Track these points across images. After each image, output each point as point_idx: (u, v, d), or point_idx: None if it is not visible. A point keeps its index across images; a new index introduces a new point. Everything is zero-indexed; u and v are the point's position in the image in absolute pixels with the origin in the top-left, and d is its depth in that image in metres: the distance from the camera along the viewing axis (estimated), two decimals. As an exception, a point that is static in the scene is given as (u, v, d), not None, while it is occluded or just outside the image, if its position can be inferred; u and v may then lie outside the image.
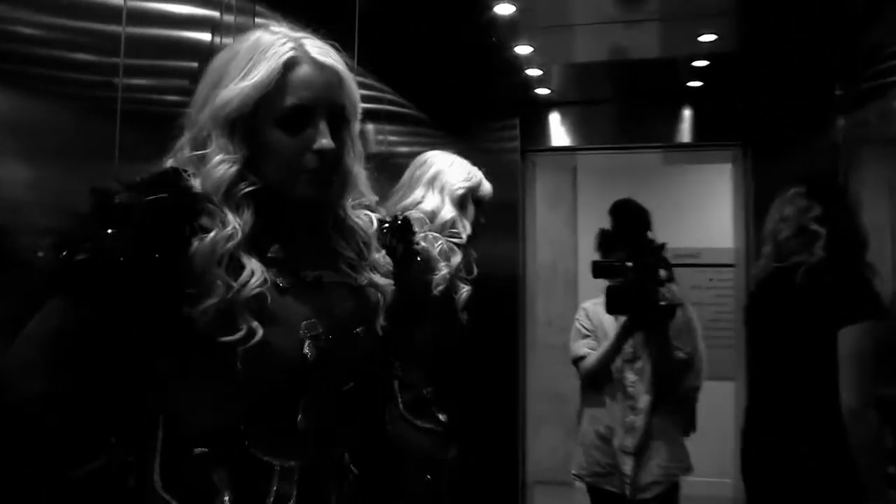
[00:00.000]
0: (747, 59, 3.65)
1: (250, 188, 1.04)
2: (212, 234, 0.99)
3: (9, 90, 1.30)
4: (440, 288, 1.82)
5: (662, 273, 2.59)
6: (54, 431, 0.96)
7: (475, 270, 2.00)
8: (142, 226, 0.96)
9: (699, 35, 3.32)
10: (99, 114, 1.51)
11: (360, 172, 1.18)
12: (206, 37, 1.84)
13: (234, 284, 0.98)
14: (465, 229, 1.96)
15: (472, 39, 3.31)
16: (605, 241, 2.88)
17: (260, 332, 0.99)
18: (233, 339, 0.97)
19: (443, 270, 1.83)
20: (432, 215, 1.92)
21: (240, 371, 0.99)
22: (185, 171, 1.04)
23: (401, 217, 1.54)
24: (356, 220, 1.18)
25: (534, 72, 3.88)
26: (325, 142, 1.05)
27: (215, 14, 1.87)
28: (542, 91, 4.25)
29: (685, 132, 4.35)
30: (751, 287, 2.71)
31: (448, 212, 1.93)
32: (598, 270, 2.73)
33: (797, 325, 2.20)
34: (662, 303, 2.57)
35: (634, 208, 2.86)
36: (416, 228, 1.73)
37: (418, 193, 1.96)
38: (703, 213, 5.34)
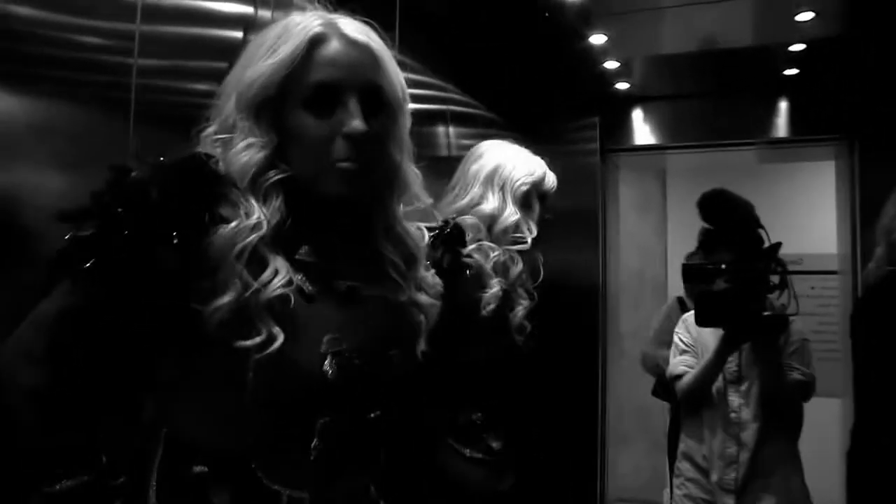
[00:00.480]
0: (851, 40, 3.36)
1: (280, 176, 0.96)
2: (234, 223, 0.91)
3: (32, 93, 1.26)
4: (491, 307, 1.63)
5: (774, 279, 2.25)
6: (41, 432, 0.88)
7: (542, 274, 1.80)
8: (156, 205, 0.88)
9: (796, 14, 3.05)
10: (113, 116, 1.45)
11: (409, 170, 1.08)
12: (238, 34, 1.76)
13: (254, 283, 0.90)
14: (530, 232, 1.77)
15: (539, 29, 3.13)
16: (709, 240, 2.48)
17: (280, 340, 0.89)
18: (249, 345, 0.88)
19: (494, 287, 1.64)
20: (492, 219, 1.73)
21: (250, 382, 0.90)
22: (212, 157, 0.96)
23: (452, 223, 1.38)
24: (407, 230, 1.09)
25: (611, 64, 3.68)
26: (356, 123, 0.95)
27: (249, 10, 1.79)
28: (622, 85, 4.04)
29: (782, 126, 4.09)
30: (859, 294, 2.41)
31: (511, 214, 1.74)
32: (688, 274, 2.42)
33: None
34: (767, 313, 2.22)
35: (732, 200, 2.45)
36: (470, 236, 1.58)
37: (476, 193, 1.77)
38: (804, 216, 5.04)
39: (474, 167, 1.81)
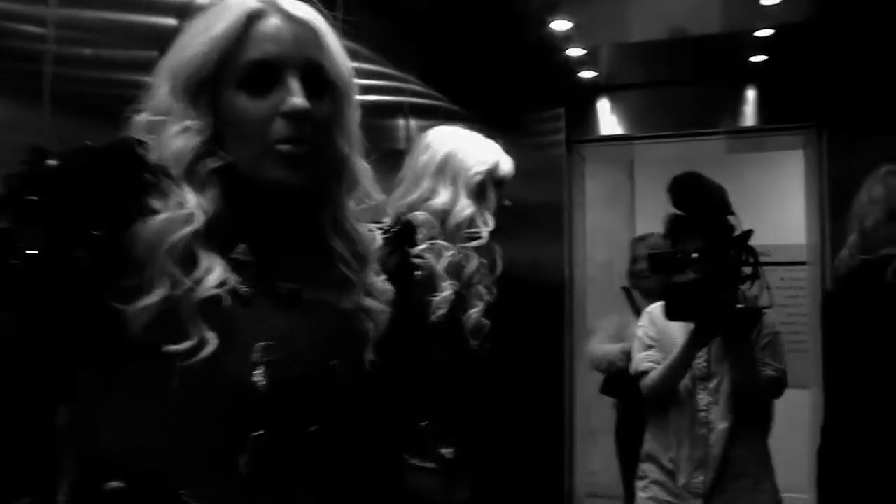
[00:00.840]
0: (818, 24, 3.31)
1: (219, 163, 0.89)
2: (165, 214, 0.84)
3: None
4: (441, 312, 1.53)
5: (745, 269, 2.15)
6: None
7: (500, 267, 1.70)
8: (76, 192, 0.80)
9: (762, -5, 3.00)
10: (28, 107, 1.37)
11: (358, 163, 1.01)
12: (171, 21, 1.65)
13: (185, 281, 0.82)
14: (486, 224, 1.66)
15: (501, 16, 3.03)
16: (676, 227, 2.33)
17: (212, 345, 0.82)
18: (179, 350, 0.81)
19: (446, 291, 1.54)
20: (444, 213, 1.63)
21: (174, 391, 0.82)
22: (143, 142, 0.88)
23: (402, 220, 1.31)
24: (358, 228, 1.02)
25: (576, 52, 3.58)
26: (296, 100, 0.88)
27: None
28: (588, 74, 3.95)
29: (749, 115, 4.06)
30: (828, 285, 2.35)
31: (464, 207, 1.64)
32: (655, 264, 2.30)
33: (885, 328, 1.96)
34: (740, 305, 2.12)
35: (705, 184, 2.30)
36: (423, 234, 1.50)
37: (426, 186, 1.67)
38: (773, 207, 4.99)
39: (423, 158, 1.70)
